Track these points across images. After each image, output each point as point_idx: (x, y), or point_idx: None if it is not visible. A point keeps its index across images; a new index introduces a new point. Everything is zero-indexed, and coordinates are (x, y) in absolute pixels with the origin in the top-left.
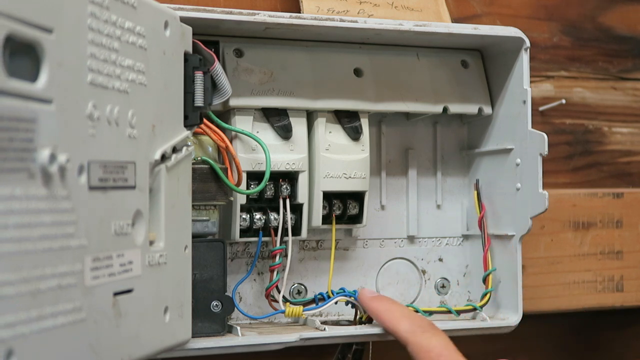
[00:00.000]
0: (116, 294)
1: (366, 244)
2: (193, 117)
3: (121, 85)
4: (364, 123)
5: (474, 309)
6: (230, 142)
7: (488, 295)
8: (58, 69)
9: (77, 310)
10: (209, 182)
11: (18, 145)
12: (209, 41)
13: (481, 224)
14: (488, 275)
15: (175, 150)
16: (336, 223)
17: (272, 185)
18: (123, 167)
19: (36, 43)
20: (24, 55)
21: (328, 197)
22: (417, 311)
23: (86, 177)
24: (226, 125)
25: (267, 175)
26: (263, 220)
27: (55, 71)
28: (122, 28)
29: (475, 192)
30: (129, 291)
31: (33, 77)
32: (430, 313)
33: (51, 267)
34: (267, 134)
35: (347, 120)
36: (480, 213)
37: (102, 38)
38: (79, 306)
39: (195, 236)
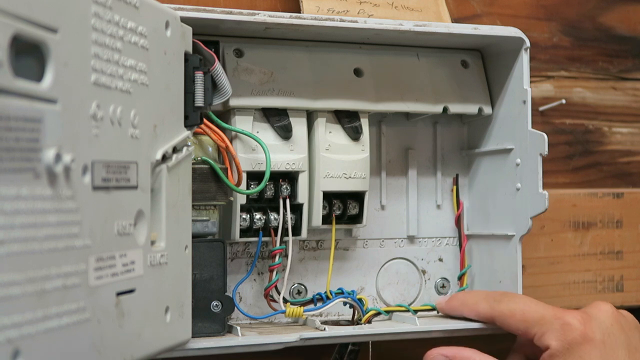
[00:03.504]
0: (119, 294)
1: (366, 244)
2: (193, 117)
3: (124, 85)
4: (364, 123)
5: None
6: (230, 142)
7: None
8: (63, 69)
9: (82, 310)
10: (209, 182)
11: (24, 145)
12: (209, 41)
13: (458, 221)
14: (463, 274)
15: (175, 150)
16: (336, 223)
17: (272, 185)
18: (125, 167)
19: (42, 43)
20: (30, 56)
21: (328, 197)
22: (408, 310)
23: (90, 177)
24: (226, 125)
25: (267, 175)
26: (263, 220)
27: (60, 71)
28: (124, 28)
29: (455, 187)
30: (131, 291)
31: (38, 77)
32: (416, 311)
33: (56, 267)
34: (267, 134)
35: (347, 120)
36: (457, 210)
37: (106, 38)
38: (83, 306)
39: (195, 236)
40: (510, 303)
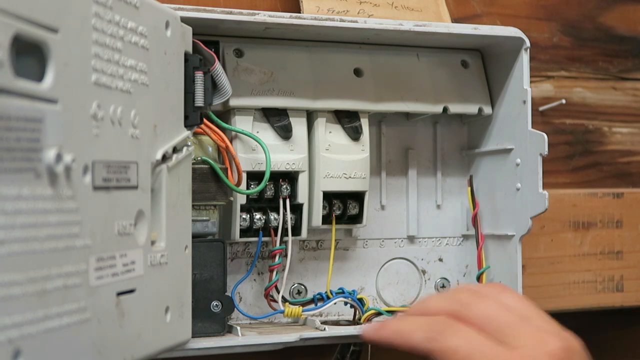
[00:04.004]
0: (119, 293)
1: (366, 244)
2: (193, 117)
3: (124, 85)
4: (364, 123)
5: None
6: (230, 142)
7: None
8: (64, 69)
9: (82, 310)
10: (209, 182)
11: (25, 145)
12: (209, 41)
13: (475, 221)
14: (482, 273)
15: (175, 150)
16: (336, 223)
17: (272, 185)
18: (126, 167)
19: (42, 43)
20: (30, 56)
21: (328, 197)
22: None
23: (90, 177)
24: (226, 125)
25: (267, 175)
26: (263, 220)
27: (61, 71)
28: (125, 28)
29: (469, 188)
30: (131, 291)
31: (39, 77)
32: None
33: (57, 267)
34: (267, 134)
35: (347, 120)
36: (473, 210)
37: (106, 38)
38: (83, 306)
39: (195, 236)
40: (454, 337)
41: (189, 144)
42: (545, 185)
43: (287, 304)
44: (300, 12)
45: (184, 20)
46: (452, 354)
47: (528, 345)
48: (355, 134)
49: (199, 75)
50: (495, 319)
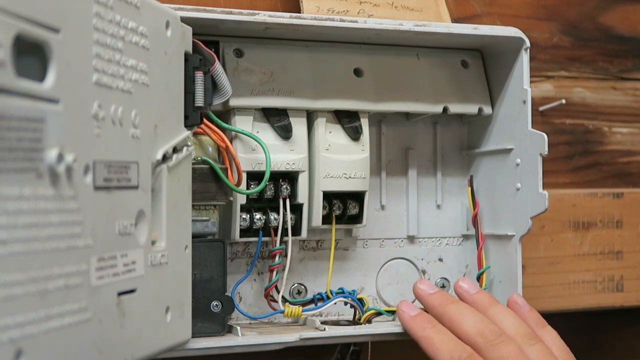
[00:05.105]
0: (120, 293)
1: (366, 244)
2: (193, 117)
3: (125, 85)
4: (364, 123)
5: None
6: (230, 142)
7: None
8: (65, 69)
9: (83, 310)
10: (209, 182)
11: (27, 145)
12: (209, 41)
13: (475, 221)
14: (482, 273)
15: (175, 150)
16: (336, 223)
17: (272, 185)
18: (126, 167)
19: (44, 43)
20: (32, 56)
21: (328, 197)
22: None
23: (91, 177)
24: (226, 125)
25: (267, 175)
26: (263, 220)
27: (62, 71)
28: (125, 28)
29: (470, 188)
30: (132, 291)
31: (41, 77)
32: None
33: (58, 267)
34: (267, 134)
35: (347, 120)
36: (474, 210)
37: (107, 38)
38: (84, 306)
39: (195, 236)
40: None
41: (189, 144)
42: (545, 185)
43: (287, 304)
44: (300, 12)
45: (184, 20)
46: None
47: None
48: (355, 134)
49: (199, 75)
50: None
